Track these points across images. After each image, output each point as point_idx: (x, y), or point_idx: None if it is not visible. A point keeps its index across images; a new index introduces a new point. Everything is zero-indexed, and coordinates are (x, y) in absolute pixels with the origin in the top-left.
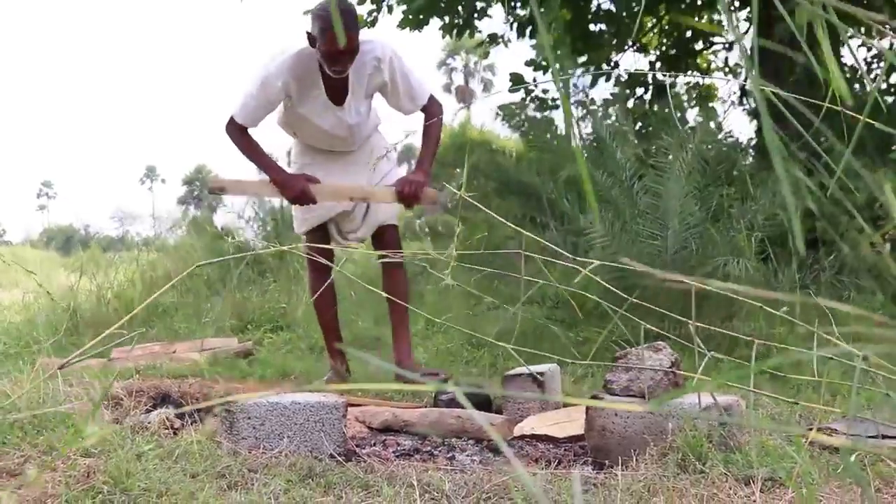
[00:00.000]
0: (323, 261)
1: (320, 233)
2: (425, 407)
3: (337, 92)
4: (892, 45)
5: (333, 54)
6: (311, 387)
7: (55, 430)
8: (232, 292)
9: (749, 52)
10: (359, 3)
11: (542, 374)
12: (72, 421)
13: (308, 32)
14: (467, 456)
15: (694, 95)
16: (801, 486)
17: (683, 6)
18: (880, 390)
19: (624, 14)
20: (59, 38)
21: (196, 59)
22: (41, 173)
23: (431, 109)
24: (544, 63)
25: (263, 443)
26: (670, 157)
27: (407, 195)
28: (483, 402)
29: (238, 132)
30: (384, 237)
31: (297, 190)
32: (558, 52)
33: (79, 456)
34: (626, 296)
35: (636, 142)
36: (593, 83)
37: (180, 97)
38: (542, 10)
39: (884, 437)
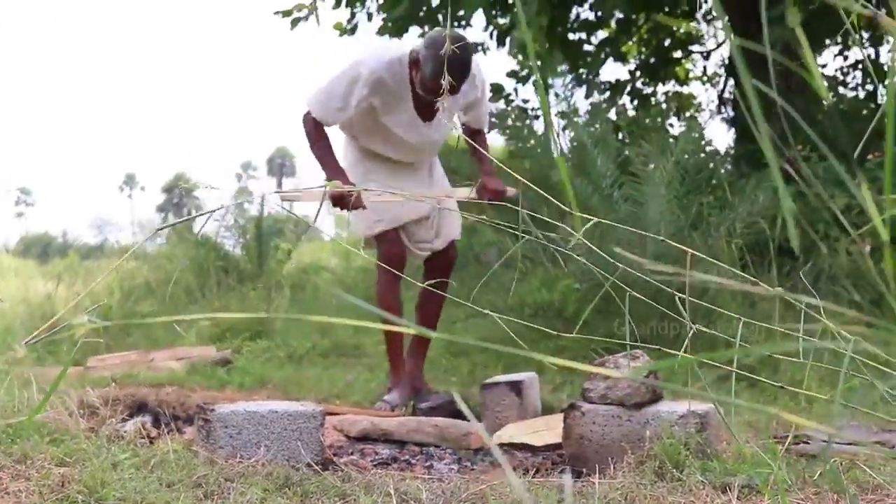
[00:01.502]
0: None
1: (394, 238)
2: (403, 415)
3: (425, 108)
4: (868, 56)
5: (433, 93)
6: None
7: (30, 439)
8: (211, 300)
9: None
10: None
11: (520, 382)
12: (47, 430)
13: (414, 52)
14: (445, 465)
15: (674, 107)
16: (776, 493)
17: (663, 14)
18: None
19: (603, 24)
20: (37, 44)
21: (176, 66)
22: (19, 181)
23: (485, 133)
24: (524, 73)
25: (240, 451)
26: (651, 165)
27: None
28: (460, 411)
29: (315, 128)
30: (448, 252)
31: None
32: (539, 61)
33: (53, 465)
34: (617, 287)
35: (617, 150)
36: (589, 90)
37: (160, 104)
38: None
39: (852, 443)
